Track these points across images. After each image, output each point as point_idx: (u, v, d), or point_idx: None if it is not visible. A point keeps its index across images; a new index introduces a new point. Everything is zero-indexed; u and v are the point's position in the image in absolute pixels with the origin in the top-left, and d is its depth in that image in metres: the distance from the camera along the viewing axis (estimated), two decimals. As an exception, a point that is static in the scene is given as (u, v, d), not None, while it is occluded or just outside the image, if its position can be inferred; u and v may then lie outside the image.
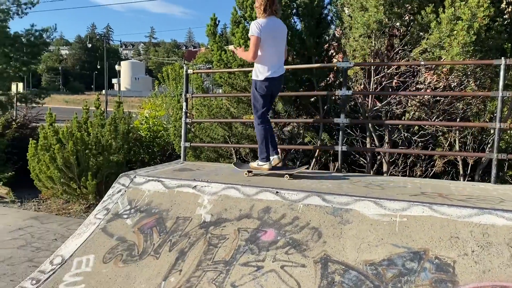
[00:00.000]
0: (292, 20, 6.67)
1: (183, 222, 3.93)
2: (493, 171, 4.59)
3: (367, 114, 6.17)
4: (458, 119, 5.93)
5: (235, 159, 7.57)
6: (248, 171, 4.74)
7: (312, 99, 6.93)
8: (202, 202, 4.08)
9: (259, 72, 4.57)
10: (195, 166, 5.43)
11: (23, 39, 13.48)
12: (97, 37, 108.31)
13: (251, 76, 6.23)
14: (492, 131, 5.47)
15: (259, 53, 4.50)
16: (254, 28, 4.42)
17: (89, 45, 79.14)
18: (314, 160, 6.94)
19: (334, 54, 7.07)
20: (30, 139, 7.46)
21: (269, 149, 4.67)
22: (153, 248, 3.73)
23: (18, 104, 14.21)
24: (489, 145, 6.07)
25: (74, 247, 3.93)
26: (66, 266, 3.72)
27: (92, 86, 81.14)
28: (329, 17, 6.91)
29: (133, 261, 3.66)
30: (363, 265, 3.19)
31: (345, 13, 6.44)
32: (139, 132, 8.54)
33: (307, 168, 5.11)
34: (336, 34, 7.11)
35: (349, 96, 5.85)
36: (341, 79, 5.24)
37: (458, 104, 5.84)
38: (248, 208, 3.89)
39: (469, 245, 3.13)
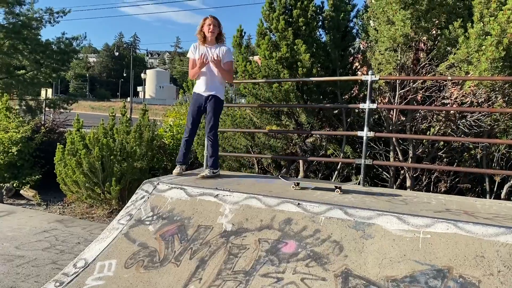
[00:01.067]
0: (318, 33, 6.70)
1: (204, 230, 3.95)
2: (521, 190, 4.48)
3: (391, 128, 6.11)
4: (485, 136, 5.82)
5: (257, 169, 7.59)
6: (295, 183, 4.72)
7: (336, 111, 6.91)
8: (223, 211, 4.10)
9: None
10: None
11: (54, 47, 13.92)
12: (124, 45, 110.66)
13: (275, 87, 6.29)
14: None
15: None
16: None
17: (116, 53, 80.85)
18: (336, 172, 6.90)
19: (358, 67, 7.05)
20: (58, 143, 7.64)
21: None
22: (174, 256, 3.76)
23: (47, 109, 14.64)
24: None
25: (97, 251, 3.99)
26: (89, 270, 3.79)
27: (117, 93, 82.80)
28: (354, 30, 6.92)
29: (154, 267, 3.69)
30: (384, 281, 3.14)
31: (371, 27, 6.43)
32: (163, 140, 8.65)
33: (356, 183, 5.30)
34: (362, 47, 7.10)
35: (373, 110, 5.81)
36: (366, 92, 5.22)
37: (485, 120, 5.73)
38: (269, 218, 3.89)
39: (495, 265, 3.05)
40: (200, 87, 5.22)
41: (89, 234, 6.03)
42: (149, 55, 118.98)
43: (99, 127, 7.53)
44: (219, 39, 5.16)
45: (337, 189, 4.50)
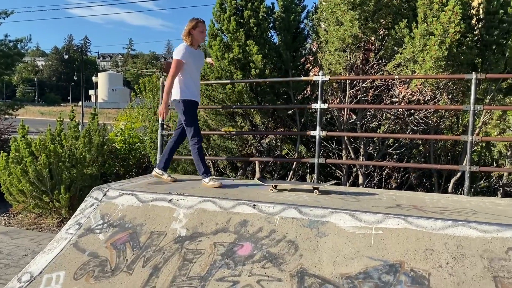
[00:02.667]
0: (270, 34, 6.72)
1: (157, 237, 3.85)
2: (466, 183, 4.68)
3: (342, 127, 6.22)
4: (432, 132, 6.04)
5: (212, 172, 7.51)
6: (273, 186, 4.67)
7: (289, 112, 6.96)
8: (177, 216, 4.02)
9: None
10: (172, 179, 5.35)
11: (-4, 49, 13.18)
12: (75, 48, 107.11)
13: (229, 89, 6.25)
14: (464, 144, 5.58)
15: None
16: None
17: (66, 56, 78.03)
18: (291, 172, 6.95)
19: (310, 67, 7.14)
20: (1, 151, 7.24)
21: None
22: (126, 264, 3.64)
23: (-10, 115, 13.85)
24: (462, 158, 6.19)
25: (44, 264, 3.80)
26: (35, 284, 3.59)
27: (68, 98, 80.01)
28: (305, 31, 6.99)
29: (105, 277, 3.55)
30: (339, 278, 3.17)
31: (321, 28, 6.53)
32: (114, 144, 8.40)
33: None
34: (313, 48, 7.19)
35: (325, 109, 5.89)
36: (318, 93, 5.29)
37: (432, 117, 5.95)
38: (225, 221, 3.85)
39: (444, 257, 3.15)
40: (197, 95, 5.11)
41: (37, 245, 5.75)
42: (101, 58, 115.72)
43: (46, 133, 7.20)
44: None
45: (315, 190, 4.51)
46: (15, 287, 3.59)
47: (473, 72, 4.64)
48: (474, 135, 4.69)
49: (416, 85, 5.66)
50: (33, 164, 6.48)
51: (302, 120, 6.80)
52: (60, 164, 6.65)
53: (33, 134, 7.57)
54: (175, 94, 4.96)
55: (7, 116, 13.54)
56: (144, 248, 3.74)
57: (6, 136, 9.95)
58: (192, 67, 4.96)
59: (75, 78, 73.72)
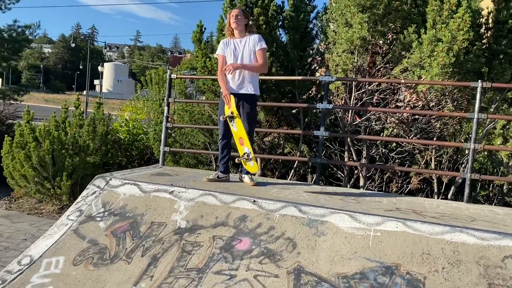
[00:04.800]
0: (278, 32, 6.73)
1: (157, 227, 3.88)
2: (466, 191, 4.69)
3: (346, 129, 6.24)
4: (435, 138, 6.06)
5: (214, 166, 7.54)
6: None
7: (294, 111, 6.98)
8: (178, 208, 4.05)
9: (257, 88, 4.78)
10: (174, 171, 5.39)
11: (4, 34, 13.23)
12: (82, 37, 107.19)
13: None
14: (466, 151, 5.59)
15: None
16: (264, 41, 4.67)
17: (73, 45, 78.03)
18: (292, 171, 6.97)
19: (317, 68, 7.16)
20: (6, 136, 7.29)
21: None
22: (125, 253, 3.68)
23: (-5, 100, 13.91)
24: (463, 165, 6.21)
25: (44, 248, 3.84)
26: (35, 267, 3.63)
27: (73, 86, 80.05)
28: (314, 32, 7.00)
29: (104, 264, 3.59)
30: (335, 278, 3.20)
31: (329, 29, 6.54)
32: (118, 134, 8.44)
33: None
34: (320, 49, 7.20)
35: (330, 110, 5.91)
36: (323, 93, 5.30)
37: (435, 123, 5.96)
38: (225, 216, 3.88)
39: (440, 262, 3.18)
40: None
41: (37, 230, 5.80)
42: (108, 48, 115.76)
43: (50, 120, 7.24)
44: (248, 30, 4.73)
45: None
46: (15, 270, 3.64)
47: (479, 81, 4.65)
48: (477, 143, 4.70)
49: (421, 91, 5.67)
50: (36, 149, 6.53)
51: (306, 119, 6.82)
52: (63, 151, 6.69)
53: (37, 121, 7.61)
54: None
55: (12, 101, 13.60)
56: (144, 238, 3.77)
57: (10, 121, 9.99)
58: None
59: (81, 67, 73.74)
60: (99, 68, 46.73)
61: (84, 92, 45.24)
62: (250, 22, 4.77)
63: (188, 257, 3.53)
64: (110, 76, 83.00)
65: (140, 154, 8.47)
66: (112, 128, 8.03)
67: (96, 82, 74.59)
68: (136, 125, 8.91)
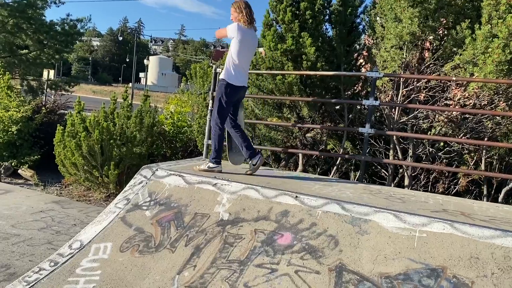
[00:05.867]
0: (324, 27, 6.67)
1: (201, 218, 3.95)
2: (519, 194, 4.49)
3: (392, 126, 6.10)
4: (486, 138, 5.82)
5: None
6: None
7: (338, 107, 6.90)
8: (221, 200, 4.10)
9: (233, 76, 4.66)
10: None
11: (58, 28, 13.82)
12: (128, 30, 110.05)
13: (279, 80, 6.27)
14: (520, 153, 5.34)
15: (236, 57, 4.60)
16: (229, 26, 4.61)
17: (120, 38, 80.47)
18: (335, 168, 6.90)
19: (363, 63, 7.03)
20: (58, 125, 7.63)
21: (221, 152, 4.86)
22: (170, 242, 3.77)
23: (48, 90, 14.58)
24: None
25: (93, 234, 4.00)
26: (84, 252, 3.79)
27: (119, 78, 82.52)
28: (361, 26, 6.89)
29: (149, 252, 3.70)
30: (378, 277, 3.15)
31: (377, 23, 6.40)
32: (163, 127, 8.64)
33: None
34: (367, 44, 7.07)
35: (376, 107, 5.79)
36: (369, 89, 5.20)
37: (487, 122, 5.72)
38: (266, 210, 3.89)
39: (489, 267, 3.06)
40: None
41: (85, 216, 6.05)
42: (153, 42, 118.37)
43: (100, 111, 7.51)
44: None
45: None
46: (66, 253, 3.81)
47: (537, 79, 4.42)
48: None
49: (473, 89, 5.45)
50: (86, 139, 6.79)
51: (350, 116, 6.72)
52: (111, 141, 6.92)
53: (86, 111, 7.91)
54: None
55: (63, 92, 14.20)
56: (188, 228, 3.85)
57: (62, 111, 10.44)
58: None
59: (127, 60, 75.91)
60: (145, 61, 47.94)
61: (130, 84, 46.52)
62: (239, 16, 4.63)
63: (230, 249, 3.57)
64: (155, 69, 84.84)
65: (184, 146, 8.64)
66: (157, 120, 8.23)
67: (141, 75, 76.59)
68: (180, 118, 9.08)
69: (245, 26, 4.58)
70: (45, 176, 8.29)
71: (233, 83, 4.63)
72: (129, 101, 7.72)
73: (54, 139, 7.47)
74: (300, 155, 7.09)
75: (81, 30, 14.55)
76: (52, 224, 5.56)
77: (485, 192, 6.01)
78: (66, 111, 10.05)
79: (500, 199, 5.77)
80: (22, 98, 9.59)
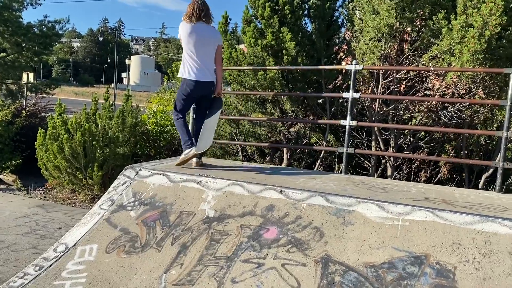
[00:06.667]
0: (303, 21, 6.69)
1: (186, 216, 3.96)
2: (498, 180, 4.58)
3: (373, 118, 6.17)
4: (465, 127, 5.92)
5: (241, 157, 7.61)
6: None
7: (320, 101, 6.94)
8: (206, 197, 4.11)
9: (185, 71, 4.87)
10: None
11: (35, 30, 13.58)
12: (109, 30, 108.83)
13: (260, 75, 6.28)
14: (499, 140, 5.45)
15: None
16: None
17: (101, 39, 79.51)
18: (319, 161, 6.96)
19: (343, 56, 7.08)
20: (39, 128, 7.53)
21: (191, 137, 4.97)
22: (156, 241, 3.77)
23: (28, 93, 14.34)
24: (495, 154, 6.05)
25: (78, 236, 3.97)
26: (70, 254, 3.77)
27: (101, 79, 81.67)
28: (340, 20, 6.93)
29: (136, 252, 3.69)
30: (363, 267, 3.20)
31: (356, 16, 6.45)
32: (146, 126, 8.58)
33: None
34: (346, 37, 7.12)
35: (357, 99, 5.85)
36: (349, 82, 5.25)
37: (466, 111, 5.83)
38: (252, 205, 3.92)
39: (471, 252, 3.13)
40: None
41: (70, 219, 5.99)
42: (134, 41, 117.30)
43: (81, 112, 7.43)
44: None
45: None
46: (51, 257, 3.78)
47: (513, 67, 4.51)
48: (510, 131, 4.57)
49: (451, 78, 5.54)
50: (68, 141, 6.72)
51: (332, 109, 6.78)
52: (94, 142, 6.86)
53: (68, 114, 7.82)
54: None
55: (44, 95, 13.98)
56: (173, 227, 3.85)
57: (43, 113, 10.30)
58: None
59: (109, 60, 75.01)
60: (126, 61, 47.50)
61: (112, 85, 46.06)
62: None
63: (216, 246, 3.59)
64: (137, 69, 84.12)
65: (168, 145, 8.59)
66: (140, 120, 8.17)
67: (123, 75, 75.82)
68: (163, 117, 9.02)
69: (187, 22, 4.72)
70: (28, 180, 8.17)
71: (187, 77, 4.81)
72: (111, 102, 7.65)
73: (35, 142, 7.38)
74: (284, 149, 7.12)
75: (60, 32, 14.33)
76: (36, 229, 5.50)
77: (466, 179, 6.13)
78: (47, 114, 9.91)
79: (480, 186, 5.89)
80: (1, 102, 9.43)
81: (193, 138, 4.98)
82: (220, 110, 5.07)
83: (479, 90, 5.65)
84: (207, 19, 4.79)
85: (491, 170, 5.79)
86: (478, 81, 5.54)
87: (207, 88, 4.91)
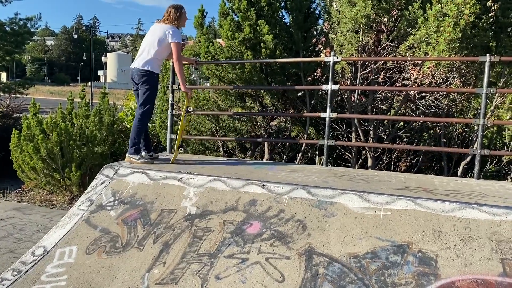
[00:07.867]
0: (281, 14, 6.65)
1: (168, 214, 3.90)
2: (476, 167, 4.65)
3: (353, 109, 6.19)
4: (443, 115, 5.99)
5: (222, 152, 7.55)
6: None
7: (299, 94, 6.93)
8: (187, 194, 4.06)
9: None
10: (181, 159, 5.39)
11: (6, 28, 13.20)
12: (84, 28, 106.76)
13: (239, 69, 6.23)
14: (476, 128, 5.54)
15: None
16: None
17: (75, 36, 77.95)
18: (300, 154, 6.96)
19: (321, 48, 7.07)
20: (13, 129, 7.33)
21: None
22: (137, 240, 3.71)
23: (1, 94, 13.96)
24: (472, 141, 6.15)
25: (56, 238, 3.88)
26: (48, 257, 3.68)
27: (78, 78, 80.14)
28: (317, 12, 6.90)
29: (117, 252, 3.63)
30: (347, 258, 3.21)
31: (333, 8, 6.44)
32: (124, 124, 8.45)
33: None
34: (324, 29, 7.11)
35: (336, 91, 5.86)
36: (328, 74, 5.24)
37: (443, 100, 5.90)
38: (234, 200, 3.89)
39: (452, 239, 3.17)
40: None
41: (49, 221, 5.86)
42: (110, 38, 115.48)
43: (57, 112, 7.26)
44: None
45: None
46: (29, 261, 3.68)
47: (487, 55, 4.56)
48: (486, 118, 4.64)
49: (428, 68, 5.59)
50: (44, 142, 6.56)
51: (312, 102, 6.77)
52: (71, 142, 6.72)
53: (44, 113, 7.63)
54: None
55: (18, 95, 13.63)
56: (155, 225, 3.80)
57: (17, 114, 10.04)
58: None
59: (84, 58, 73.64)
60: (103, 58, 46.67)
61: (89, 83, 45.25)
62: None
63: (199, 243, 3.55)
64: (114, 66, 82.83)
65: (147, 142, 8.47)
66: (118, 118, 8.04)
67: (100, 72, 74.62)
68: (142, 114, 8.89)
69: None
70: (3, 183, 7.96)
71: None
72: (87, 100, 7.49)
73: (10, 144, 7.18)
74: (266, 143, 7.10)
75: (32, 30, 13.96)
76: (13, 232, 5.36)
77: (445, 167, 6.22)
78: (21, 114, 9.66)
79: (459, 173, 5.98)
80: (-28, 103, 9.15)
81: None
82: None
83: (456, 79, 5.71)
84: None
85: (469, 158, 5.88)
86: (454, 70, 5.60)
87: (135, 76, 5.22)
